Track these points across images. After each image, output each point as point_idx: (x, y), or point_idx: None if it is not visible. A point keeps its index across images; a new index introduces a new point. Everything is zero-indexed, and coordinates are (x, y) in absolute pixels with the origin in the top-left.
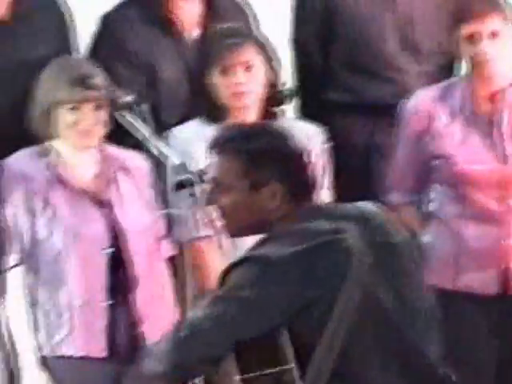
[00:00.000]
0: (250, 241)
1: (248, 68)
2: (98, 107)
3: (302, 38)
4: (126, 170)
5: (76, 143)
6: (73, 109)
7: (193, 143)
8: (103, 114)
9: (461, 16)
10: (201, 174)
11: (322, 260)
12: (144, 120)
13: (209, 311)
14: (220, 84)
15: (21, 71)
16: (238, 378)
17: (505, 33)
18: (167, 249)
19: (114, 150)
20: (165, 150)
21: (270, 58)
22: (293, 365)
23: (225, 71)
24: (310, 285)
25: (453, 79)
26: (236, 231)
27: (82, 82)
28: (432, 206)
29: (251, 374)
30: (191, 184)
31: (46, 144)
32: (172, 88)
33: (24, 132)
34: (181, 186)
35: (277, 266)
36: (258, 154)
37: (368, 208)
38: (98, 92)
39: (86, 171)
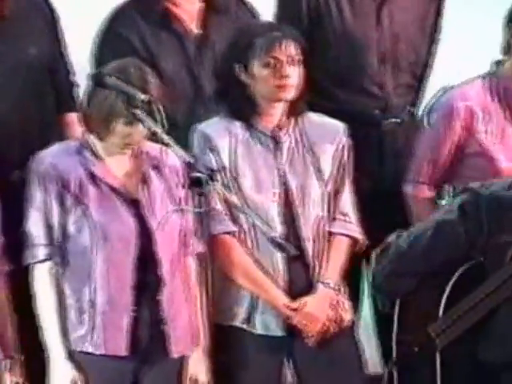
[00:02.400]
0: None
1: (293, 62)
2: None
3: None
4: (158, 167)
5: (117, 149)
6: (128, 123)
7: (218, 139)
8: None
9: None
10: (212, 173)
11: None
12: (156, 118)
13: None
14: (263, 76)
15: (12, 70)
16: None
17: None
18: (197, 246)
19: (149, 147)
20: (177, 148)
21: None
22: None
23: (270, 64)
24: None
25: (477, 76)
26: None
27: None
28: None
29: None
30: (201, 183)
31: (82, 139)
32: (173, 85)
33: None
34: (192, 184)
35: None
36: None
37: None
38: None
39: (118, 169)
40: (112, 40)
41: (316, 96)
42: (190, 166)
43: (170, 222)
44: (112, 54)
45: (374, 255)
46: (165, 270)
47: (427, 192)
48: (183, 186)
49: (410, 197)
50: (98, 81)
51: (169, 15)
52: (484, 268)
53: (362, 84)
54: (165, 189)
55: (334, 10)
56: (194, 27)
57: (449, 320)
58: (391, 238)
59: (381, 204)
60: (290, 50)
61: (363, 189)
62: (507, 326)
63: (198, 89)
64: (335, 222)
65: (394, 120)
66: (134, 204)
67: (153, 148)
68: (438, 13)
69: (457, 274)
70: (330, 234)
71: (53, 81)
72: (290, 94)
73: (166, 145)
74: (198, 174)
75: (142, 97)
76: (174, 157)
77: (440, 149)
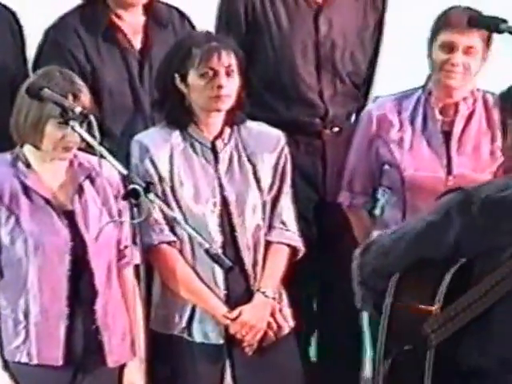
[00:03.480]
0: None
1: (229, 72)
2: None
3: None
4: (92, 178)
5: (55, 155)
6: (60, 123)
7: (156, 149)
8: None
9: (441, 24)
10: (148, 185)
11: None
12: (91, 130)
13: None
14: (199, 86)
15: None
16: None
17: (478, 50)
18: (134, 257)
19: (84, 158)
20: (112, 160)
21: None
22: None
23: (206, 74)
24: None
25: (410, 89)
26: None
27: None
28: (379, 210)
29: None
30: (137, 195)
31: (17, 151)
32: (113, 98)
33: None
34: (127, 196)
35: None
36: None
37: None
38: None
39: (52, 180)
40: (55, 51)
41: (255, 107)
42: (125, 178)
43: (106, 233)
44: (52, 63)
45: (356, 252)
46: (99, 280)
47: (354, 200)
48: (120, 198)
49: (342, 205)
50: (33, 93)
51: (113, 28)
52: (473, 269)
53: (300, 92)
54: (101, 200)
55: (271, 18)
56: (136, 42)
57: (444, 317)
58: (375, 235)
59: (324, 214)
60: (227, 60)
61: (308, 199)
62: (502, 326)
63: (137, 104)
64: (274, 230)
65: (334, 129)
66: (69, 215)
67: (88, 159)
68: (380, 27)
69: (449, 274)
70: (269, 242)
71: (13, 95)
72: (226, 104)
73: (102, 156)
74: (134, 186)
75: (77, 109)
76: (110, 168)
77: (360, 157)
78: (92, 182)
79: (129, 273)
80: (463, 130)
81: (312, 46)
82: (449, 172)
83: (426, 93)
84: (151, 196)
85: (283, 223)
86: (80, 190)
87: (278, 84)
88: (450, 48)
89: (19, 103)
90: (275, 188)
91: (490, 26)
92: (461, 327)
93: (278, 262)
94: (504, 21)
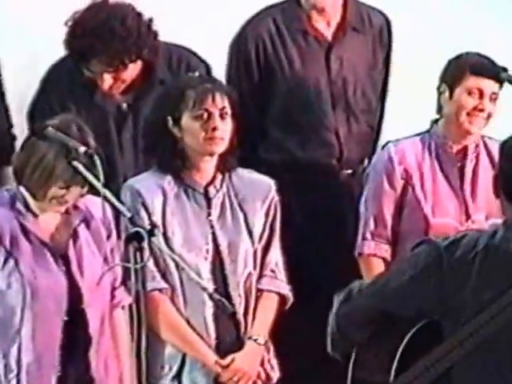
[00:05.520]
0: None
1: (223, 115)
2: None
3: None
4: (87, 221)
5: (51, 209)
6: (64, 187)
7: (149, 195)
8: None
9: (464, 69)
10: (151, 228)
11: None
12: (95, 172)
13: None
14: (193, 129)
15: None
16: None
17: (498, 96)
18: (124, 298)
19: (79, 201)
20: (115, 202)
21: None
22: None
23: (201, 116)
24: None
25: (424, 133)
26: None
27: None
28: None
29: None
30: (140, 238)
31: (15, 190)
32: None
33: None
34: (130, 239)
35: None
36: None
37: None
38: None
39: (49, 223)
40: (42, 101)
41: (269, 148)
42: (129, 221)
43: (102, 280)
44: (40, 114)
45: (336, 301)
46: (94, 327)
47: (378, 250)
48: (123, 241)
49: (358, 253)
50: (38, 133)
51: (91, 86)
52: (439, 327)
53: (316, 132)
54: (95, 243)
55: (283, 58)
56: (123, 99)
57: (408, 378)
58: (354, 284)
59: (344, 260)
60: (222, 102)
61: (328, 244)
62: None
63: (114, 167)
64: (264, 278)
65: (349, 171)
66: (64, 259)
67: (82, 201)
68: (387, 64)
69: (412, 331)
70: (259, 290)
71: None
72: (220, 147)
73: (105, 198)
74: (138, 229)
75: (82, 149)
76: (102, 209)
77: (382, 205)
78: (87, 224)
79: (119, 314)
80: (472, 173)
81: (325, 84)
82: (467, 217)
83: (436, 137)
84: (156, 240)
85: (273, 271)
86: (75, 235)
87: (292, 124)
88: (477, 94)
89: (29, 150)
90: (266, 236)
91: (492, 74)
92: None
93: (269, 310)
94: (504, 69)
